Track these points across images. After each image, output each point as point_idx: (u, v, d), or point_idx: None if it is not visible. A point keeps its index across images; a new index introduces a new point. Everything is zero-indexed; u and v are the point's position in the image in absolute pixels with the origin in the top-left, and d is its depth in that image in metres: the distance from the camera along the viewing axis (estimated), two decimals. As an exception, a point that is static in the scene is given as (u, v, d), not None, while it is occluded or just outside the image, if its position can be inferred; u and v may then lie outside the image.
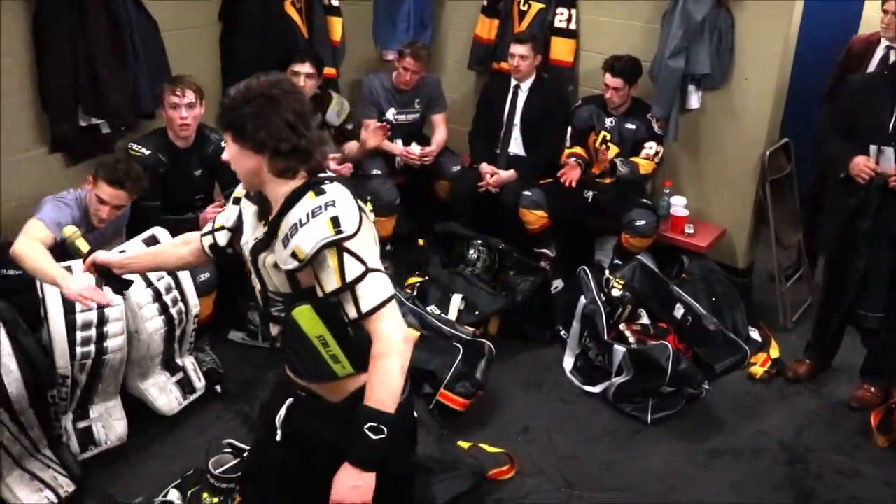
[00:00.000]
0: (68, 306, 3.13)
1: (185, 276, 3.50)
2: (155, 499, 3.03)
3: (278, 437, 2.17)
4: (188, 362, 3.63)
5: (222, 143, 3.80)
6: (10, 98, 3.62)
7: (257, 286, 2.14)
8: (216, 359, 3.83)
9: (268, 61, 4.33)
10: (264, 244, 2.05)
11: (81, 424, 3.32)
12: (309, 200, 1.94)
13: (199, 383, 3.62)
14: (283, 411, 2.16)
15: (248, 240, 2.14)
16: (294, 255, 1.94)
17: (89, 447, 3.31)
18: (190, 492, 2.96)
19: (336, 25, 4.80)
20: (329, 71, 4.63)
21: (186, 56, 4.17)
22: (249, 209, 2.16)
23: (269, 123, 1.93)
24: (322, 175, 2.03)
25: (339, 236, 1.90)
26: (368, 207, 2.22)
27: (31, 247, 3.04)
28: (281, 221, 1.97)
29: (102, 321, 3.21)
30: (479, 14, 5.14)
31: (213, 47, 4.45)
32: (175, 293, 3.44)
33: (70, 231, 2.56)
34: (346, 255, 1.91)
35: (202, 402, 3.65)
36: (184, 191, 3.89)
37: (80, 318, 3.16)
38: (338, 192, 1.95)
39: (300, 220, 1.93)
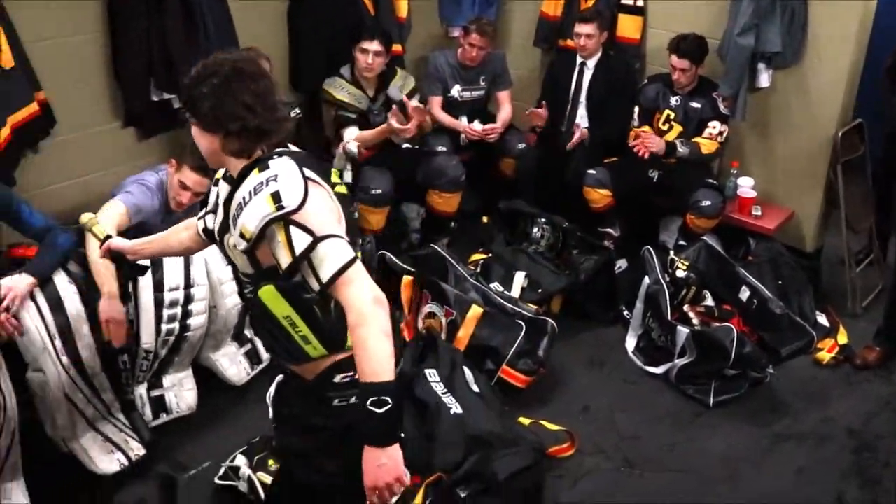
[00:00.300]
0: (158, 284, 3.22)
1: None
2: (222, 464, 3.10)
3: (270, 415, 2.19)
4: (254, 334, 3.70)
5: (291, 115, 3.91)
6: (86, 74, 3.74)
7: (231, 268, 2.15)
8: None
9: (335, 37, 4.39)
10: (225, 225, 2.05)
11: (155, 393, 3.41)
12: (253, 177, 1.92)
13: (265, 355, 3.69)
14: (272, 389, 2.20)
15: (217, 221, 2.14)
16: (242, 235, 1.93)
17: (161, 415, 3.40)
18: (256, 458, 3.02)
19: (402, 2, 4.81)
20: (395, 48, 4.63)
21: (254, 31, 4.20)
22: (223, 190, 2.13)
23: (221, 103, 1.91)
24: (277, 150, 2.01)
25: (282, 212, 1.86)
26: (337, 179, 2.16)
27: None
28: (231, 201, 1.97)
29: (188, 300, 3.30)
30: (545, -10, 5.10)
31: (280, 22, 4.48)
32: (256, 271, 3.50)
33: (87, 218, 2.63)
34: (292, 228, 1.86)
35: (267, 372, 3.70)
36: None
37: (168, 296, 3.25)
38: (281, 167, 1.91)
39: (244, 199, 1.91)
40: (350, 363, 1.96)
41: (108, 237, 2.52)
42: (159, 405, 3.41)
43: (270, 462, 2.98)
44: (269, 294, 1.98)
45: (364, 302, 1.84)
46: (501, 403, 3.45)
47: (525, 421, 3.49)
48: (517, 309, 3.82)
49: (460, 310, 3.72)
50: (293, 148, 2.10)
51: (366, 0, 4.59)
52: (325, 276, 1.85)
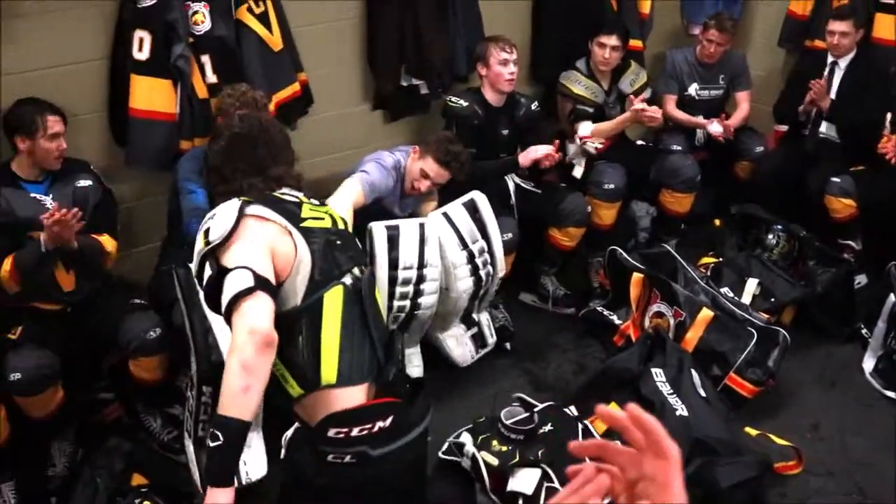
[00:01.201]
0: (393, 262, 3.35)
1: (496, 240, 3.63)
2: (447, 439, 3.19)
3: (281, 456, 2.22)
4: (483, 318, 3.79)
5: (532, 107, 3.98)
6: (343, 57, 3.97)
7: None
8: (507, 317, 3.98)
9: (576, 31, 4.41)
10: None
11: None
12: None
13: (491, 339, 3.79)
14: (290, 431, 2.23)
15: None
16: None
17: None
18: (480, 438, 3.08)
19: (646, -1, 4.76)
20: (635, 43, 4.59)
21: (500, 22, 4.30)
22: None
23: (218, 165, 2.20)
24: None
25: (208, 247, 1.94)
26: (311, 213, 2.12)
27: None
28: None
29: (420, 279, 3.42)
30: (793, -13, 4.88)
31: (525, 15, 4.57)
32: (486, 256, 3.59)
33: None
34: (209, 263, 1.98)
35: (491, 356, 3.83)
36: (490, 147, 4.02)
37: (402, 274, 3.38)
38: (222, 207, 2.01)
39: None
40: (347, 417, 1.94)
41: None
42: (386, 379, 3.57)
43: (495, 443, 3.04)
44: None
45: (238, 332, 1.82)
46: (728, 410, 3.37)
47: (752, 432, 3.39)
48: (748, 316, 3.70)
49: (690, 312, 3.65)
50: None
51: (611, -4, 4.59)
52: (223, 305, 1.87)
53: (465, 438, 3.12)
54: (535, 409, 3.18)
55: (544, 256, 4.21)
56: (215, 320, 2.71)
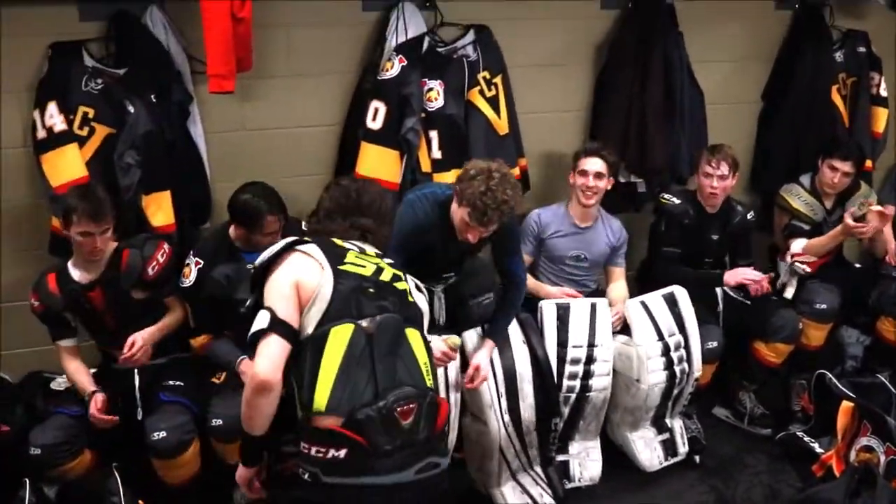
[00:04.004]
0: (562, 341, 3.38)
1: (694, 337, 3.57)
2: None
3: None
4: (676, 425, 3.70)
5: (748, 216, 3.89)
6: (564, 149, 4.02)
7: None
8: (700, 428, 3.83)
9: (806, 146, 4.31)
10: None
11: (560, 458, 3.53)
12: None
13: (682, 448, 3.68)
14: None
15: None
16: None
17: (563, 481, 3.49)
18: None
19: (881, 116, 4.58)
20: (866, 163, 4.41)
21: (725, 126, 4.28)
22: None
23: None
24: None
25: (252, 271, 2.28)
26: (356, 259, 2.27)
27: None
28: None
29: (591, 359, 3.41)
30: None
31: (751, 121, 4.55)
32: (682, 352, 3.53)
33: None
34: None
35: (679, 466, 3.70)
36: (697, 250, 3.97)
37: (571, 352, 3.39)
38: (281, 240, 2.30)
39: None
40: (312, 434, 2.09)
41: None
42: (563, 471, 3.52)
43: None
44: None
45: (251, 372, 2.10)
46: None
47: None
48: None
49: (905, 450, 3.39)
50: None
51: (842, 112, 4.46)
52: (248, 340, 2.15)
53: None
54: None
55: (745, 371, 4.03)
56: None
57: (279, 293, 2.17)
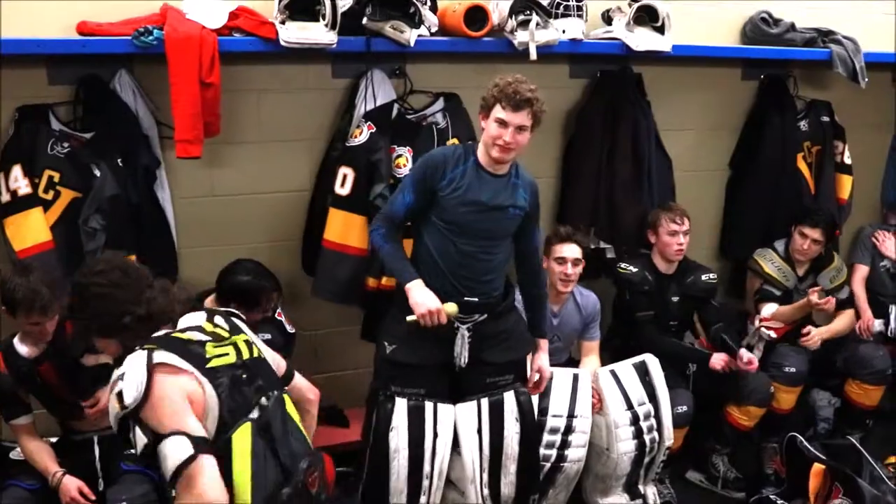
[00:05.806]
0: (543, 409, 3.35)
1: (665, 406, 3.54)
2: None
3: None
4: (650, 491, 3.64)
5: (704, 277, 3.91)
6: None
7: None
8: (673, 494, 3.80)
9: (774, 213, 4.36)
10: None
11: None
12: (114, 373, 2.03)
13: (662, 513, 3.63)
14: None
15: None
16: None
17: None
18: None
19: (845, 184, 4.67)
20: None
21: (692, 195, 4.33)
22: None
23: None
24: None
25: (125, 411, 1.96)
26: (215, 351, 2.14)
27: None
28: None
29: (569, 429, 3.39)
30: None
31: (718, 189, 4.61)
32: (652, 421, 3.51)
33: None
34: (137, 427, 1.97)
35: (652, 534, 3.64)
36: (662, 313, 3.96)
37: (550, 422, 3.37)
38: (130, 362, 2.00)
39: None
40: None
41: None
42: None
43: None
44: None
45: (207, 501, 1.90)
46: None
47: None
48: None
49: (876, 512, 3.36)
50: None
51: (808, 179, 4.53)
52: (167, 475, 1.93)
53: None
54: None
55: (718, 435, 4.02)
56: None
57: (179, 413, 1.98)
